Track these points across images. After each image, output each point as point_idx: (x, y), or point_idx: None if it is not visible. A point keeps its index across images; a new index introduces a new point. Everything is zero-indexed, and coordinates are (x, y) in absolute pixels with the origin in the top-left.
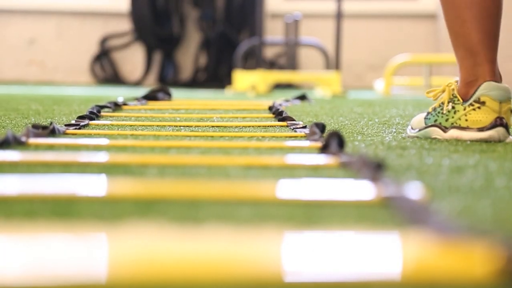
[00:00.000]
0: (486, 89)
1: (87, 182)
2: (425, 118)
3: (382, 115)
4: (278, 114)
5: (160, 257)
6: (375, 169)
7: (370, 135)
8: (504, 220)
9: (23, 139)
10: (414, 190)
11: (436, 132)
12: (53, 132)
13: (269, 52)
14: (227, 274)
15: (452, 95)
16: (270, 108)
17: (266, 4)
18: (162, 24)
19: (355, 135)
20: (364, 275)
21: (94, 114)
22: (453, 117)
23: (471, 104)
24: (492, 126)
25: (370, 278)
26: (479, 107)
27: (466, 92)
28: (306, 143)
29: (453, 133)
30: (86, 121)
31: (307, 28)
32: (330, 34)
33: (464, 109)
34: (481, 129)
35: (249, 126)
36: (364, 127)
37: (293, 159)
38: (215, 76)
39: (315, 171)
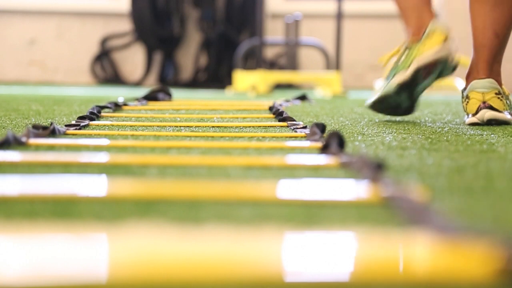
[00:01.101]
0: (433, 24)
1: (87, 183)
2: (386, 80)
3: (383, 115)
4: (279, 115)
5: (160, 258)
6: (375, 169)
7: (370, 135)
8: (504, 220)
9: (24, 139)
10: (414, 190)
11: (399, 77)
12: (53, 133)
13: (270, 52)
14: (227, 274)
15: (404, 48)
16: (271, 109)
17: (266, 5)
18: (162, 24)
19: (355, 135)
20: (364, 275)
21: (94, 115)
22: (412, 55)
23: (424, 37)
24: (441, 49)
25: (370, 278)
26: (430, 38)
27: (418, 34)
28: (306, 143)
29: (414, 63)
30: (87, 122)
31: (307, 28)
32: (330, 34)
33: (421, 43)
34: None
35: (249, 127)
36: (364, 127)
37: (293, 159)
38: (215, 76)
39: (315, 171)
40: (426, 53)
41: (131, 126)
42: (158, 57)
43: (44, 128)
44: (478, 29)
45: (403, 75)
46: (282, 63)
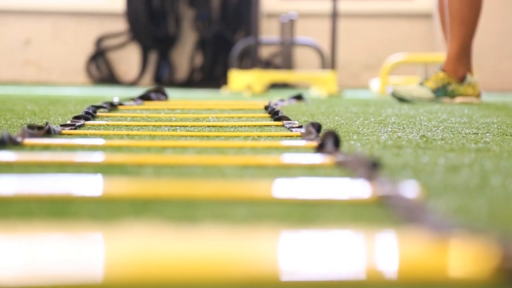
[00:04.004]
0: (472, 78)
1: (83, 182)
2: (435, 93)
3: (378, 115)
4: (274, 114)
5: (156, 257)
6: (370, 168)
7: (365, 134)
8: (499, 218)
9: (19, 139)
10: (409, 189)
11: (446, 99)
12: (48, 132)
13: (265, 52)
14: (223, 274)
15: (447, 79)
16: (266, 108)
17: (261, 4)
18: (157, 24)
19: (350, 134)
20: (360, 274)
21: (89, 114)
22: (456, 91)
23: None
24: (479, 95)
25: (366, 277)
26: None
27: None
28: (302, 143)
29: (459, 99)
30: (82, 122)
31: (302, 27)
32: (325, 33)
33: (463, 87)
34: (476, 97)
35: (245, 126)
36: (359, 126)
37: (289, 158)
38: (210, 76)
39: (311, 170)
40: (469, 98)
41: (126, 125)
42: (153, 57)
43: (40, 128)
44: None
45: (449, 102)
46: (277, 63)
